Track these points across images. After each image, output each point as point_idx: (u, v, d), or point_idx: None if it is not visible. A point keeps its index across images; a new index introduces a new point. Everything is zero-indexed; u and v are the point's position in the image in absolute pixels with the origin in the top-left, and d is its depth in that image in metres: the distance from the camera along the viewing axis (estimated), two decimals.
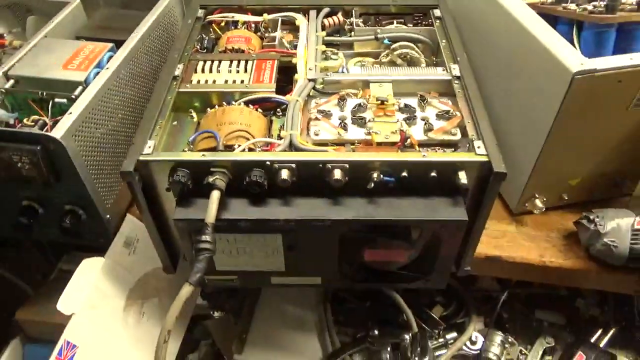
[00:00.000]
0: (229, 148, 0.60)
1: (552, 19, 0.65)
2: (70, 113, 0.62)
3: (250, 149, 0.59)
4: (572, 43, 0.60)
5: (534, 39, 0.61)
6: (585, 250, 0.70)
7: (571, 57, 0.56)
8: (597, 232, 0.66)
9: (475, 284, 0.89)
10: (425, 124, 0.62)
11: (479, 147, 0.56)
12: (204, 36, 0.79)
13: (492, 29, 0.71)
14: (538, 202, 0.71)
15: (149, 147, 0.57)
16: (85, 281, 0.61)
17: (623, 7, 0.60)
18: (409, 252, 0.60)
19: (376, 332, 0.80)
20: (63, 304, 0.59)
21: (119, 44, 0.76)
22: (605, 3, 0.59)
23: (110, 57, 0.73)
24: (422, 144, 0.61)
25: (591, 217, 0.67)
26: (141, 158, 0.56)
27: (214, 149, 0.59)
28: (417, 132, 0.61)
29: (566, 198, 0.73)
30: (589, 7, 0.60)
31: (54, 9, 0.83)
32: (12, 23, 0.86)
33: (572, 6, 0.62)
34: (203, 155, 0.56)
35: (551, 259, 0.70)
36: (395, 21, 0.83)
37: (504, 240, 0.72)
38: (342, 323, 0.85)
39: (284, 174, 0.55)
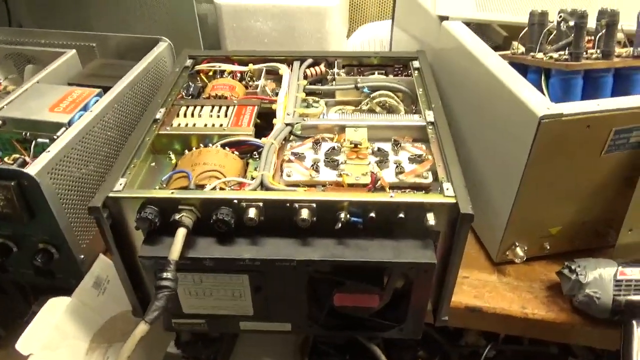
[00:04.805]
0: (201, 187, 0.60)
1: (523, 69, 0.66)
2: (49, 151, 0.63)
3: (221, 189, 0.60)
4: (540, 90, 0.62)
5: (503, 85, 0.62)
6: (569, 302, 0.67)
7: (538, 102, 0.57)
8: (579, 283, 0.64)
9: (460, 339, 0.85)
10: (397, 167, 0.62)
11: (447, 189, 0.56)
12: (190, 84, 0.82)
13: (465, 78, 0.73)
14: (519, 251, 0.70)
15: (121, 184, 0.58)
16: (48, 321, 0.60)
17: (588, 56, 0.62)
18: (379, 296, 0.58)
19: None
20: (22, 344, 0.57)
21: (108, 90, 0.79)
22: (569, 51, 0.61)
23: (97, 101, 0.75)
24: (394, 187, 0.61)
25: (573, 266, 0.65)
26: (110, 194, 0.56)
27: (186, 188, 0.59)
28: (388, 175, 0.62)
29: (548, 247, 0.71)
30: (555, 55, 0.62)
31: (52, 58, 0.87)
32: (10, 70, 0.90)
33: (540, 55, 0.64)
34: (172, 192, 0.56)
35: (533, 310, 0.67)
36: (376, 72, 0.85)
37: (485, 290, 0.70)
38: None
39: (252, 212, 0.54)
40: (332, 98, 0.82)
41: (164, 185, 0.62)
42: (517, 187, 0.62)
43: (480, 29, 0.82)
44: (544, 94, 0.62)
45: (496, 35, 0.85)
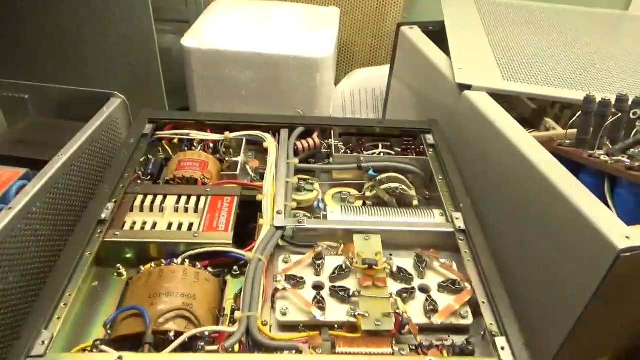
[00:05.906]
0: (162, 335, 0.43)
1: (572, 165, 0.53)
2: None
3: (191, 339, 0.43)
4: (602, 200, 0.49)
5: (559, 193, 0.49)
6: None
7: (613, 228, 0.44)
8: None
9: None
10: (427, 300, 0.48)
11: (502, 349, 0.41)
12: (150, 157, 0.65)
13: (499, 167, 0.60)
14: None
15: (43, 342, 0.40)
16: None
17: None
18: None
19: None
20: None
21: (42, 164, 0.60)
22: None
23: (22, 187, 0.57)
24: (424, 328, 0.46)
25: None
26: None
27: (139, 337, 0.42)
28: (415, 311, 0.47)
29: None
30: (627, 160, 0.49)
31: None
32: None
33: (602, 156, 0.51)
34: (119, 358, 0.39)
35: None
36: (380, 144, 0.71)
37: None
38: None
39: None
40: (327, 174, 0.68)
41: (109, 331, 0.44)
42: (572, 324, 0.49)
43: (505, 98, 0.69)
44: (608, 206, 0.49)
45: (522, 107, 0.72)
